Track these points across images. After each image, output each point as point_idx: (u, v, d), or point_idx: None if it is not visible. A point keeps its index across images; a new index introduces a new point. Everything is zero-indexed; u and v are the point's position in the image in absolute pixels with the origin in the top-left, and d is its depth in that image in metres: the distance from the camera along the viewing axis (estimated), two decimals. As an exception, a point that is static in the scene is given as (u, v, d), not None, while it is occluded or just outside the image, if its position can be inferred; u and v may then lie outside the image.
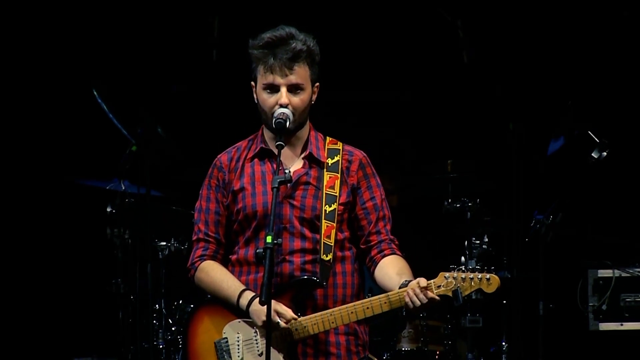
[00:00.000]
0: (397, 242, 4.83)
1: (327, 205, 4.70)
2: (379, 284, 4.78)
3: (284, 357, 4.62)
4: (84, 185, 7.51)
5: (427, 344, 7.55)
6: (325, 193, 4.71)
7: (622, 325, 7.13)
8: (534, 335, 6.86)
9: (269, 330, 4.44)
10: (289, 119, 4.64)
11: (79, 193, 7.94)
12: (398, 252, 4.80)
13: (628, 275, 7.14)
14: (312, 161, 4.77)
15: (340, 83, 8.67)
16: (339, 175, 4.75)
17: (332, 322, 4.62)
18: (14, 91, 8.27)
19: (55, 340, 8.40)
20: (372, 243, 4.80)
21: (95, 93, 6.97)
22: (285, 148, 4.69)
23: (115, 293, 7.22)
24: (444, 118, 8.67)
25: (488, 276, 4.59)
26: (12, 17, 8.16)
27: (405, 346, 7.55)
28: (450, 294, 4.59)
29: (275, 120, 4.62)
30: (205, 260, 4.79)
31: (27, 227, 8.37)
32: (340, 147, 4.82)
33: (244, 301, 4.64)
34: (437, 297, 4.56)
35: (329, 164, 4.77)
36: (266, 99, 4.67)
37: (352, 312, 4.62)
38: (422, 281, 4.57)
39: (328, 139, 4.84)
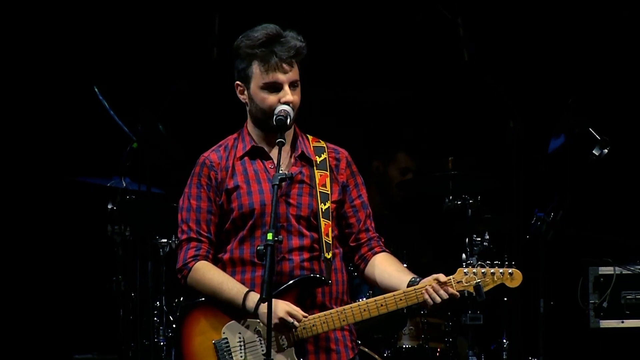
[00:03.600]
0: (383, 240, 4.85)
1: (322, 204, 4.71)
2: (374, 281, 4.77)
3: (289, 356, 4.60)
4: (84, 183, 7.51)
5: (428, 341, 7.55)
6: (319, 191, 4.72)
7: (622, 322, 7.13)
8: (534, 332, 6.85)
9: (270, 328, 4.43)
10: (289, 115, 4.64)
11: (80, 190, 7.94)
12: (387, 250, 4.82)
13: (629, 272, 7.14)
14: (303, 159, 4.77)
15: (341, 82, 8.69)
16: (328, 173, 4.75)
17: (344, 320, 4.61)
18: (15, 89, 8.27)
19: (55, 337, 8.40)
20: (362, 241, 4.80)
21: (96, 90, 6.97)
22: (277, 147, 4.70)
23: (116, 290, 7.23)
24: (445, 116, 8.67)
25: (511, 270, 4.58)
26: (13, 15, 8.16)
27: (406, 343, 7.55)
28: (471, 289, 4.56)
29: (277, 118, 4.63)
30: (198, 260, 4.74)
31: (28, 224, 8.37)
32: (325, 145, 4.82)
33: (250, 303, 4.61)
34: (457, 293, 4.55)
35: (318, 162, 4.77)
36: (267, 98, 4.66)
37: (364, 310, 4.61)
38: (441, 277, 4.56)
39: (310, 137, 4.84)
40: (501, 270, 4.58)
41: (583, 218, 7.65)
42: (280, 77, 4.65)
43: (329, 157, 4.80)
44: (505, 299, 7.54)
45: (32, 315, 8.41)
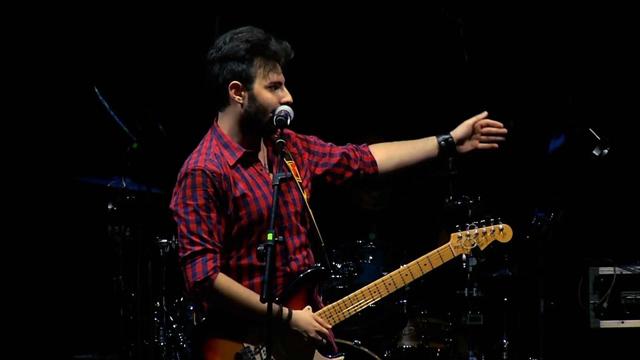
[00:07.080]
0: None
1: (304, 193, 4.73)
2: (396, 161, 4.84)
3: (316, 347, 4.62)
4: (85, 183, 7.51)
5: (428, 341, 7.56)
6: (298, 182, 4.74)
7: (623, 322, 7.13)
8: (534, 333, 6.85)
9: (269, 328, 4.43)
10: (290, 116, 4.66)
11: (80, 191, 7.95)
12: None
13: (629, 272, 7.15)
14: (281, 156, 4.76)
15: (343, 82, 8.69)
16: (294, 162, 4.76)
17: (375, 292, 4.67)
18: (16, 89, 8.27)
19: (56, 337, 8.41)
20: (357, 152, 4.86)
21: (96, 90, 6.98)
22: (262, 150, 4.70)
23: (116, 290, 7.23)
24: (445, 116, 8.67)
25: (501, 226, 4.59)
26: (13, 14, 8.17)
27: (406, 344, 7.56)
28: (469, 252, 4.57)
29: (277, 118, 4.64)
30: (218, 272, 4.62)
31: (28, 224, 8.38)
32: (274, 138, 4.77)
33: (283, 317, 4.60)
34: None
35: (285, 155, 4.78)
36: (271, 98, 4.67)
37: (390, 284, 4.66)
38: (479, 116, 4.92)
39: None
40: (492, 228, 4.59)
41: (583, 218, 7.66)
42: (282, 77, 4.69)
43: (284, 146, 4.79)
44: (506, 299, 7.55)
45: (33, 315, 8.41)
